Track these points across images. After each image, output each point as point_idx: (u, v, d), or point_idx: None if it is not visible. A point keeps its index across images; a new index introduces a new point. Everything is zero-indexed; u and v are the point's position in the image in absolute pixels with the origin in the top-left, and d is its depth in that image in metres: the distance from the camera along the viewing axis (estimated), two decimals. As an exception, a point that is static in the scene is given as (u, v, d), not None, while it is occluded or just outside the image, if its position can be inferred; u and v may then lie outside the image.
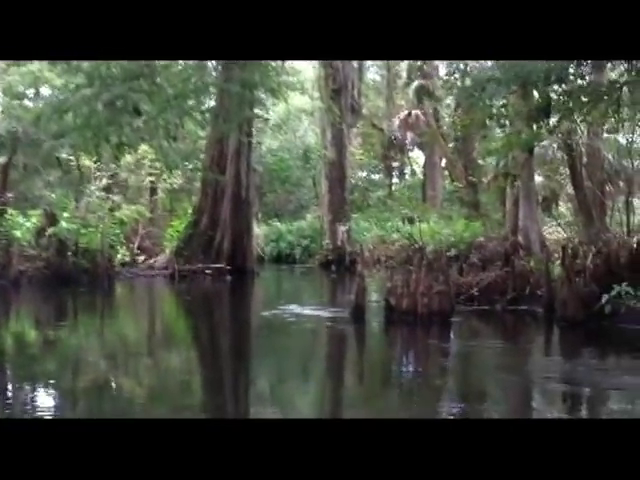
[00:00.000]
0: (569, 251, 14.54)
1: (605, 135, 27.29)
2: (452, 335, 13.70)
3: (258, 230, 35.04)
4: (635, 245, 14.54)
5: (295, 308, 17.35)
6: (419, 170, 52.07)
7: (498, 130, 36.95)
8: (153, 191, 36.89)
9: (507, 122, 18.66)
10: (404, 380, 10.33)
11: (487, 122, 20.04)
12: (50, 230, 23.89)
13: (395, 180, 54.74)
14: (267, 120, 37.47)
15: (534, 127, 14.51)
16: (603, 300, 12.77)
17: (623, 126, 20.88)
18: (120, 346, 13.34)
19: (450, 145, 44.79)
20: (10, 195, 31.83)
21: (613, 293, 12.65)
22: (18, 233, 24.72)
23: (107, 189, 29.49)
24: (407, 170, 56.13)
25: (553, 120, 14.91)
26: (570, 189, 39.28)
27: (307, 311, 17.00)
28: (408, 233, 17.46)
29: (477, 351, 12.35)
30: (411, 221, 26.46)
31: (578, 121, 17.83)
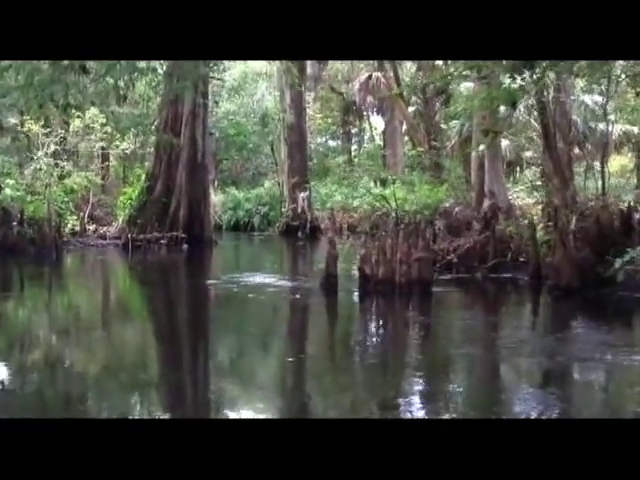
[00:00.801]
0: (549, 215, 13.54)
1: (573, 97, 26.47)
2: (433, 307, 12.59)
3: (215, 197, 33.61)
4: (627, 208, 13.55)
5: (259, 278, 16.15)
6: (377, 136, 51.13)
7: (463, 88, 36.09)
8: (104, 157, 35.29)
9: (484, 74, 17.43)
10: (378, 356, 9.21)
11: (469, 73, 18.77)
12: (-8, 197, 22.30)
13: (354, 147, 53.64)
14: (223, 82, 35.94)
15: (517, 79, 13.33)
16: (617, 265, 11.58)
17: (601, 82, 19.87)
18: (68, 320, 12.29)
19: (411, 109, 43.87)
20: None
21: (627, 258, 11.53)
22: (-42, 202, 23.07)
23: (56, 155, 27.75)
24: (366, 136, 55.04)
25: (538, 71, 13.74)
26: (533, 152, 38.86)
27: (272, 281, 15.82)
28: (380, 195, 16.38)
29: (462, 325, 11.24)
30: (383, 183, 25.29)
31: (562, 73, 16.72)
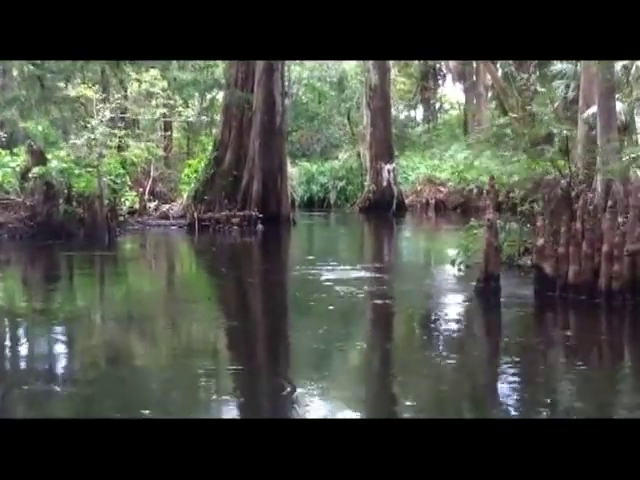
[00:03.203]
0: None
1: None
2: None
3: (292, 169, 29.84)
4: None
5: (365, 273, 12.18)
6: (456, 104, 47.91)
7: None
8: (166, 127, 31.98)
9: None
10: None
11: None
12: (35, 170, 18.78)
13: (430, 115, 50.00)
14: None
15: None
16: None
17: None
18: (124, 320, 9.62)
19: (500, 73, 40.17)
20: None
21: None
22: (-2, 175, 19.79)
23: (112, 124, 24.25)
24: (447, 104, 51.18)
25: None
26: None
27: (391, 277, 11.79)
28: (550, 159, 12.51)
29: None
30: (549, 140, 21.41)
31: None
